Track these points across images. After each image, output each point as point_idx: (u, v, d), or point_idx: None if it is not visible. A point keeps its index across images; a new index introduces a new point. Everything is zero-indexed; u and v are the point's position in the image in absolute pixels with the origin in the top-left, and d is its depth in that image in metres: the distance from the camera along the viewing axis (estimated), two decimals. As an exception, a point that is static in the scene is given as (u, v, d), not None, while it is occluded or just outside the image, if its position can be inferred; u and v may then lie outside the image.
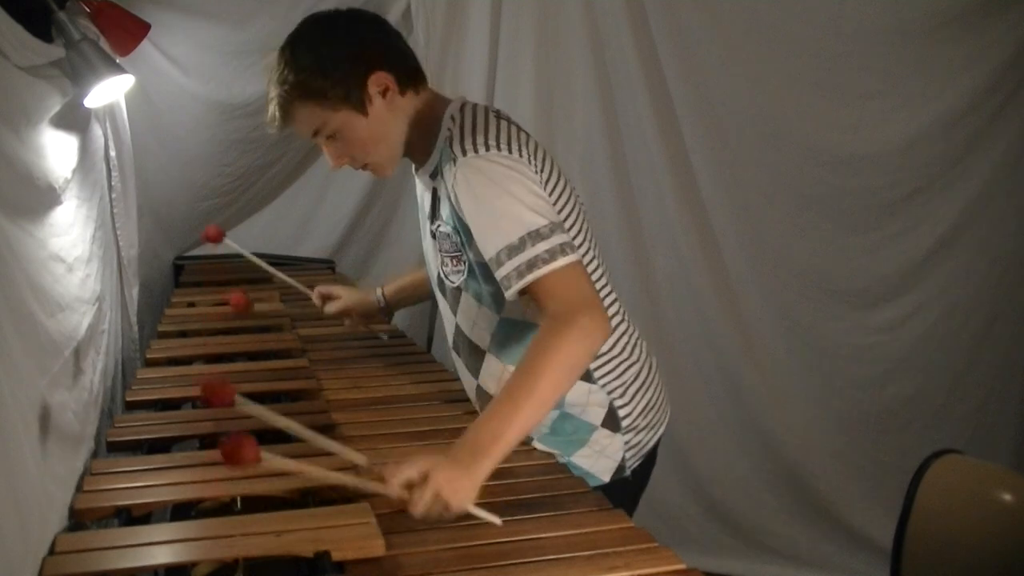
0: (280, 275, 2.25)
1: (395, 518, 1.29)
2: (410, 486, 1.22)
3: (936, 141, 2.70)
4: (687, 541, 2.96)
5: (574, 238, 1.49)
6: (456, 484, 1.21)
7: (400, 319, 2.82)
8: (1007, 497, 1.56)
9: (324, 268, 3.15)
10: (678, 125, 2.85)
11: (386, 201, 3.18)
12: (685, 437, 3.02)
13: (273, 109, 1.49)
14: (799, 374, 2.96)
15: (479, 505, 1.27)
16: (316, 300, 2.10)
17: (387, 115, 1.48)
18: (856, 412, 2.95)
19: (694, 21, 2.77)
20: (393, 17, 2.93)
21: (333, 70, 1.44)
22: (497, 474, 1.31)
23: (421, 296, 1.99)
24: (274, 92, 1.47)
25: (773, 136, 2.81)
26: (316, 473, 1.26)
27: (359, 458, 1.32)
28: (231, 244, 2.23)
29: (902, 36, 2.65)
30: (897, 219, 2.80)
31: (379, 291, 2.02)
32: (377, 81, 1.46)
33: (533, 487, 1.43)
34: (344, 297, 2.06)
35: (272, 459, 1.18)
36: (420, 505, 1.21)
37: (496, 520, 1.29)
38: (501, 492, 1.39)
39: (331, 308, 2.06)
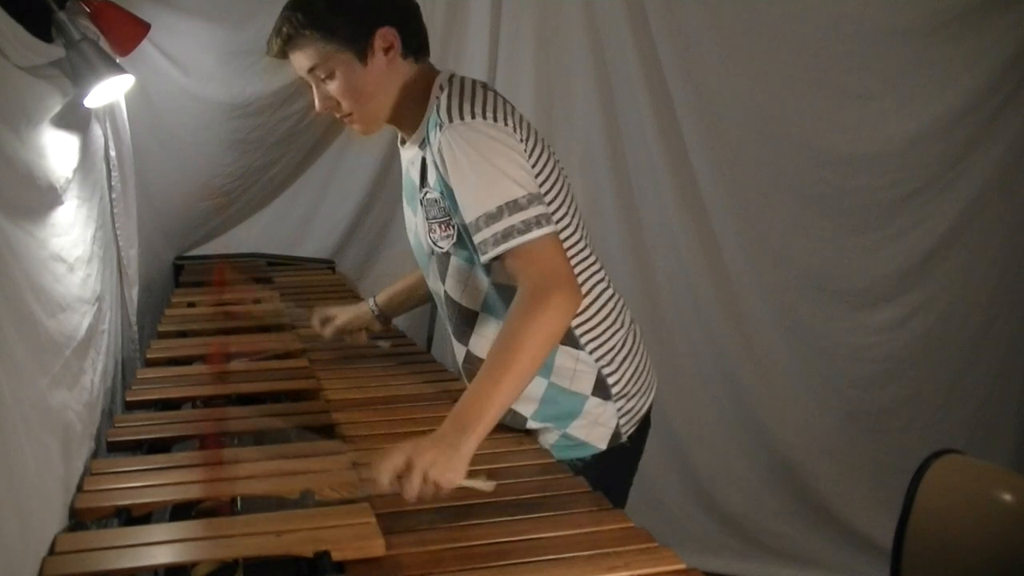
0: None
1: (395, 518, 1.29)
2: (398, 475, 1.24)
3: (936, 141, 2.70)
4: (687, 541, 2.96)
5: (556, 211, 1.51)
6: (443, 463, 1.24)
7: (400, 319, 2.82)
8: (1007, 497, 1.56)
9: (324, 268, 3.15)
10: (678, 125, 2.85)
11: (386, 201, 3.18)
12: (685, 437, 3.02)
13: (276, 36, 1.50)
14: (799, 374, 2.96)
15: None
16: (316, 326, 2.09)
17: (384, 71, 1.50)
18: (856, 412, 2.95)
19: (694, 21, 2.77)
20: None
21: (347, 12, 1.47)
22: (497, 474, 1.31)
23: (415, 300, 2.00)
24: (283, 18, 1.49)
25: (773, 136, 2.81)
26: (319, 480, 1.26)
27: (360, 456, 1.33)
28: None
29: (902, 36, 2.65)
30: (897, 219, 2.80)
31: (372, 301, 2.03)
32: (384, 36, 1.49)
33: (533, 487, 1.43)
34: (339, 316, 2.05)
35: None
36: (412, 491, 1.23)
37: (488, 487, 1.31)
38: (501, 492, 1.39)
39: (327, 331, 2.05)
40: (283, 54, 1.51)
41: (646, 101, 2.84)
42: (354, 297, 2.70)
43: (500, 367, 1.31)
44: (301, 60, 1.51)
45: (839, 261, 2.86)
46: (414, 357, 2.14)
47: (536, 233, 1.37)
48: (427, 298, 1.88)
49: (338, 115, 1.56)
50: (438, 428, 1.28)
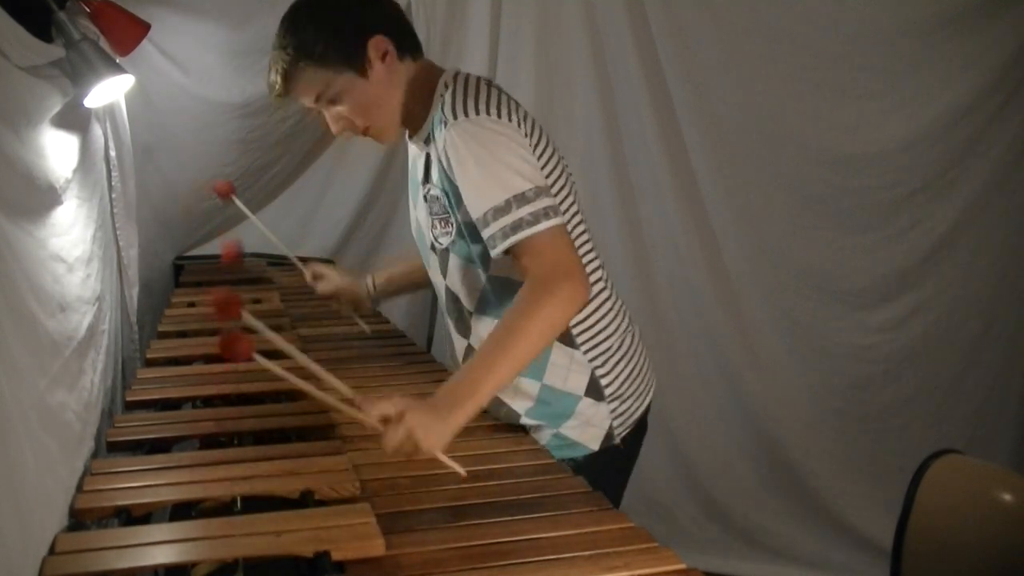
0: (278, 242, 2.24)
1: (395, 518, 1.29)
2: (385, 421, 1.26)
3: (936, 141, 2.70)
4: (687, 541, 2.96)
5: (560, 203, 1.52)
6: (430, 428, 1.26)
7: (400, 319, 2.82)
8: (1007, 497, 1.56)
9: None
10: (678, 125, 2.85)
11: (386, 201, 3.18)
12: (685, 437, 3.02)
13: (275, 76, 1.51)
14: (799, 374, 2.96)
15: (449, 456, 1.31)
16: (308, 278, 2.11)
17: (387, 79, 1.51)
18: (856, 412, 2.95)
19: (694, 21, 2.77)
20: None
21: (334, 34, 1.48)
22: (497, 474, 1.31)
23: (411, 285, 2.01)
24: (276, 58, 1.50)
25: (773, 136, 2.81)
26: (301, 385, 1.30)
27: (342, 387, 1.34)
28: (239, 204, 2.23)
29: (902, 36, 2.65)
30: (897, 219, 2.80)
31: (369, 279, 2.04)
32: (377, 45, 1.49)
33: (533, 487, 1.43)
34: (335, 280, 2.08)
35: (262, 361, 1.22)
36: (392, 440, 1.25)
37: (461, 471, 1.33)
38: (502, 492, 1.39)
39: (322, 288, 2.08)
40: (286, 92, 1.52)
41: (646, 101, 2.84)
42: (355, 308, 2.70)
43: (498, 349, 1.32)
44: (305, 92, 1.52)
45: (839, 261, 2.86)
46: (414, 357, 2.14)
47: (545, 224, 1.38)
48: (422, 285, 1.88)
49: (355, 133, 1.57)
50: (430, 397, 1.30)
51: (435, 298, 1.74)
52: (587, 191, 2.89)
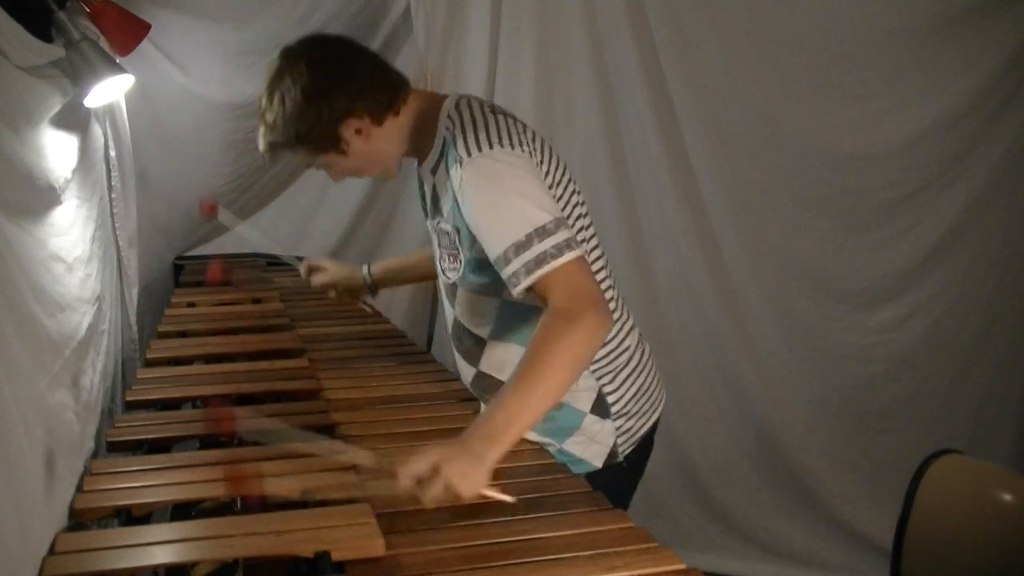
0: (267, 243, 2.26)
1: (395, 518, 1.29)
2: (420, 479, 1.22)
3: (936, 141, 2.70)
4: (687, 541, 2.96)
5: (579, 231, 1.52)
6: (466, 475, 1.22)
7: (400, 319, 2.82)
8: (1007, 497, 1.56)
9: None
10: (678, 125, 2.85)
11: (386, 201, 3.18)
12: (685, 437, 3.02)
13: (263, 144, 1.55)
14: (799, 374, 2.96)
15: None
16: (303, 272, 2.13)
17: (368, 148, 1.53)
18: (856, 412, 2.94)
19: (694, 21, 2.77)
20: (393, 17, 2.93)
21: (304, 131, 1.49)
22: (497, 475, 1.30)
23: (408, 279, 2.04)
24: (259, 133, 1.54)
25: (773, 136, 2.81)
26: (320, 481, 1.26)
27: (365, 457, 1.33)
28: (226, 214, 2.25)
29: (902, 36, 2.65)
30: (897, 219, 2.80)
31: (366, 269, 2.06)
32: (348, 127, 1.50)
33: (533, 487, 1.43)
34: (331, 270, 2.10)
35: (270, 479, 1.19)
36: (432, 498, 1.21)
37: (510, 499, 1.30)
38: (501, 492, 1.39)
39: (317, 280, 2.10)
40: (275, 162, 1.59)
41: (646, 101, 2.84)
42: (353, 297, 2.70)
43: (529, 384, 1.29)
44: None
45: (839, 261, 2.86)
46: (414, 357, 2.14)
47: (568, 256, 1.36)
48: (419, 279, 1.89)
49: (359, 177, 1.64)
50: (464, 433, 1.26)
51: (435, 298, 1.75)
52: (587, 191, 2.87)
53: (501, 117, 1.48)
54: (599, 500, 1.40)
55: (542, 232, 1.36)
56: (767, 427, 2.98)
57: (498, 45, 2.91)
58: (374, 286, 2.07)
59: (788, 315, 2.93)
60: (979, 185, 2.73)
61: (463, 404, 1.79)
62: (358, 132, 1.50)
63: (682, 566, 1.19)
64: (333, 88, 1.49)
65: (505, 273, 1.39)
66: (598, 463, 1.62)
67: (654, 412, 1.69)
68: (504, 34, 2.90)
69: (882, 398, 2.92)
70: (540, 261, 1.35)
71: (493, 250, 1.40)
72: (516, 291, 1.39)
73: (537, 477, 1.48)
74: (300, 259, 2.18)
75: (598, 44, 2.86)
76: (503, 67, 2.91)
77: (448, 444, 1.24)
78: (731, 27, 2.76)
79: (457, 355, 1.71)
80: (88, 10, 2.15)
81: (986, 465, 1.69)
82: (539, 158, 1.48)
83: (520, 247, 1.36)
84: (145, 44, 2.38)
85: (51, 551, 1.23)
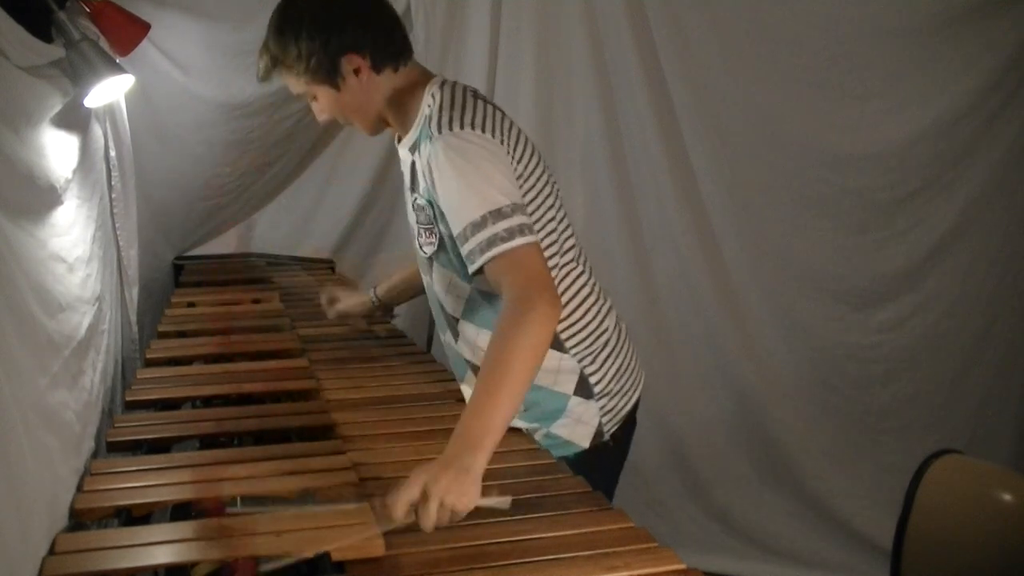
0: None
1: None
2: (414, 506, 1.21)
3: (936, 141, 2.70)
4: (687, 541, 2.96)
5: (545, 216, 1.56)
6: (457, 488, 1.21)
7: (400, 320, 2.82)
8: (1007, 497, 1.56)
9: (324, 268, 3.15)
10: (678, 125, 2.85)
11: (386, 201, 3.18)
12: (685, 437, 3.02)
13: (259, 65, 1.59)
14: (799, 374, 2.96)
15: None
16: (324, 304, 2.22)
17: (360, 91, 1.56)
18: (856, 412, 2.94)
19: (694, 21, 2.77)
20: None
21: (307, 50, 1.53)
22: (497, 475, 1.31)
23: (413, 290, 2.04)
24: (262, 51, 1.58)
25: (773, 136, 2.81)
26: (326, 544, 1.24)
27: (356, 505, 1.32)
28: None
29: (902, 36, 2.65)
30: (897, 219, 2.80)
31: (372, 292, 2.13)
32: (350, 61, 1.53)
33: (533, 487, 1.43)
34: (343, 300, 2.19)
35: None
36: (429, 521, 1.20)
37: (504, 503, 1.28)
38: (501, 492, 1.39)
39: (332, 313, 2.20)
40: (268, 81, 1.61)
41: (646, 101, 2.84)
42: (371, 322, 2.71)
43: (495, 382, 1.30)
44: (288, 85, 1.61)
45: (839, 261, 2.86)
46: (414, 357, 2.14)
47: (518, 241, 1.39)
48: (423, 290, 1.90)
49: (340, 122, 1.65)
50: (445, 450, 1.26)
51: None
52: (587, 191, 2.89)
53: (481, 103, 1.52)
54: (599, 500, 1.40)
55: (497, 215, 1.39)
56: (767, 427, 2.98)
57: (498, 45, 2.91)
58: (384, 307, 2.15)
59: (788, 315, 2.93)
60: (979, 185, 2.73)
61: (463, 404, 1.78)
62: (356, 72, 1.54)
63: (682, 566, 1.19)
64: (347, 20, 1.53)
65: (463, 251, 1.43)
66: (585, 443, 1.65)
67: (635, 391, 1.73)
68: (504, 34, 2.90)
69: (882, 398, 2.92)
70: (491, 243, 1.39)
71: (455, 226, 1.44)
72: (471, 270, 1.43)
73: (536, 477, 1.48)
74: (302, 260, 2.23)
75: (598, 44, 2.86)
76: (503, 67, 2.91)
77: (432, 465, 1.23)
78: (731, 27, 2.76)
79: (440, 329, 1.74)
80: (88, 10, 2.15)
81: (986, 465, 1.69)
82: (510, 148, 1.51)
83: (475, 227, 1.40)
84: (145, 44, 2.38)
85: (51, 551, 1.23)
